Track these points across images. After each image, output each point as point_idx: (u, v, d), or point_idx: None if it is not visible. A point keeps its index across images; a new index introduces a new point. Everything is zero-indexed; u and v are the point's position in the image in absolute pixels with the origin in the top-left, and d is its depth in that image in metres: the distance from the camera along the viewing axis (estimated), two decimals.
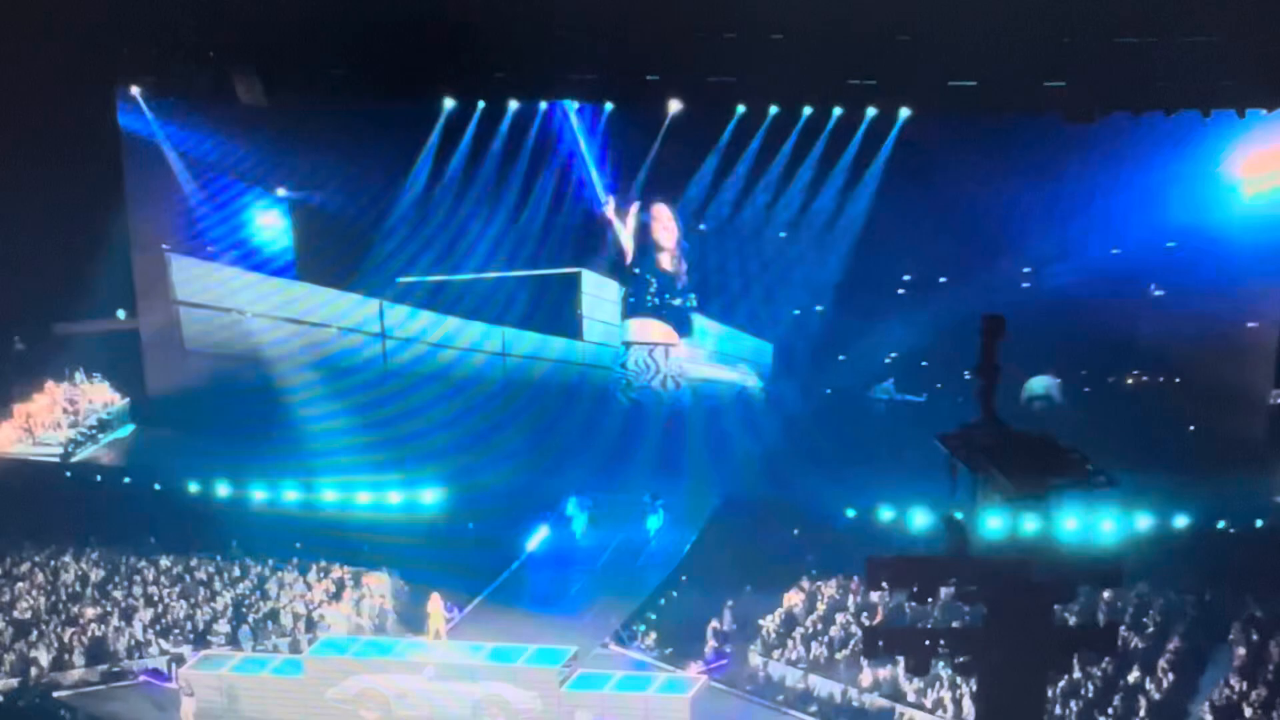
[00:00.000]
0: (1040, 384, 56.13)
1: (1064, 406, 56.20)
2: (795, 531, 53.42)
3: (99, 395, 60.00)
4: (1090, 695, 45.05)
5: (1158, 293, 55.54)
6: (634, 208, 58.48)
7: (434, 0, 51.15)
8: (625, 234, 58.68)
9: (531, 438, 57.89)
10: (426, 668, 47.06)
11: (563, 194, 58.30)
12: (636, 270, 59.17)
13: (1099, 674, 45.47)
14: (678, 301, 59.27)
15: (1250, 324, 55.30)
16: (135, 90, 56.95)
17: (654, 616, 51.36)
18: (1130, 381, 57.40)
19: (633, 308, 59.69)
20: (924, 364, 56.85)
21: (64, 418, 58.88)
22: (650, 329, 59.90)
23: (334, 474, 55.47)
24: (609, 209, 58.51)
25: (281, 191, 59.05)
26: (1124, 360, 56.99)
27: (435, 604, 49.99)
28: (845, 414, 57.20)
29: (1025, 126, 53.35)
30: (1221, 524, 51.81)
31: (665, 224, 58.67)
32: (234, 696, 46.94)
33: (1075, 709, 44.54)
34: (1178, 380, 56.77)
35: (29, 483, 56.38)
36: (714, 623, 50.47)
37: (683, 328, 59.58)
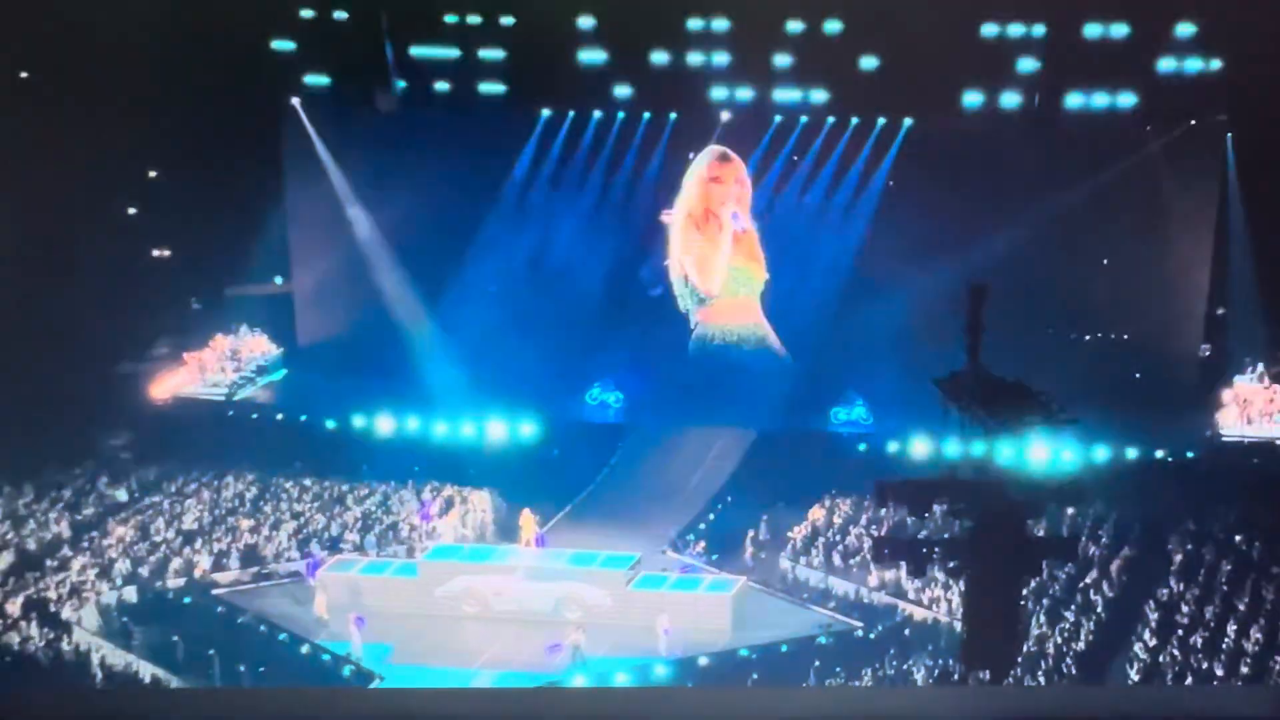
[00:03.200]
0: None
1: None
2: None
3: (258, 346, 59.14)
4: (1056, 594, 44.86)
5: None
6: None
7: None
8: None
9: (606, 382, 56.92)
10: (518, 570, 47.12)
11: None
12: None
13: (1063, 577, 45.24)
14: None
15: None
16: (295, 101, 57.15)
17: (703, 528, 50.84)
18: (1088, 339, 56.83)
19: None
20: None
21: (229, 364, 58.16)
22: None
23: (446, 410, 54.53)
24: None
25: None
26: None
27: (526, 517, 49.60)
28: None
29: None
30: (1160, 454, 51.23)
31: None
32: (359, 593, 46.72)
33: (1045, 606, 44.16)
34: (1126, 338, 56.38)
35: (199, 417, 56.18)
36: (752, 533, 49.99)
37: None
